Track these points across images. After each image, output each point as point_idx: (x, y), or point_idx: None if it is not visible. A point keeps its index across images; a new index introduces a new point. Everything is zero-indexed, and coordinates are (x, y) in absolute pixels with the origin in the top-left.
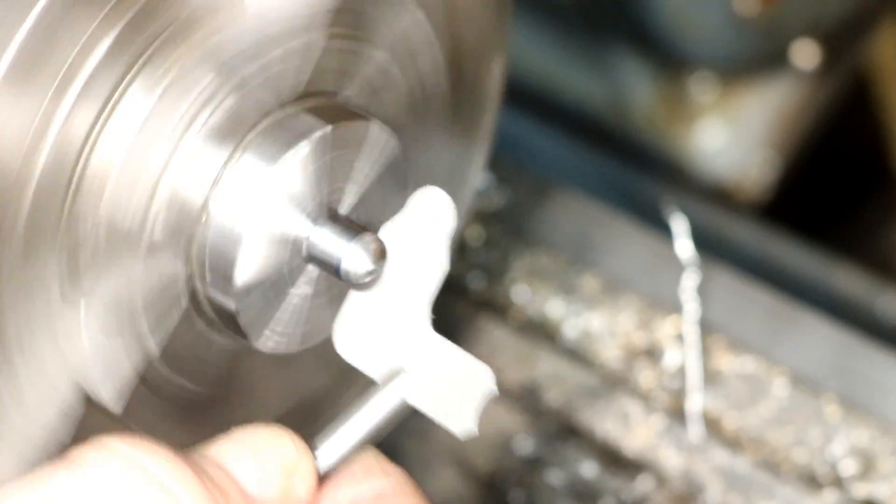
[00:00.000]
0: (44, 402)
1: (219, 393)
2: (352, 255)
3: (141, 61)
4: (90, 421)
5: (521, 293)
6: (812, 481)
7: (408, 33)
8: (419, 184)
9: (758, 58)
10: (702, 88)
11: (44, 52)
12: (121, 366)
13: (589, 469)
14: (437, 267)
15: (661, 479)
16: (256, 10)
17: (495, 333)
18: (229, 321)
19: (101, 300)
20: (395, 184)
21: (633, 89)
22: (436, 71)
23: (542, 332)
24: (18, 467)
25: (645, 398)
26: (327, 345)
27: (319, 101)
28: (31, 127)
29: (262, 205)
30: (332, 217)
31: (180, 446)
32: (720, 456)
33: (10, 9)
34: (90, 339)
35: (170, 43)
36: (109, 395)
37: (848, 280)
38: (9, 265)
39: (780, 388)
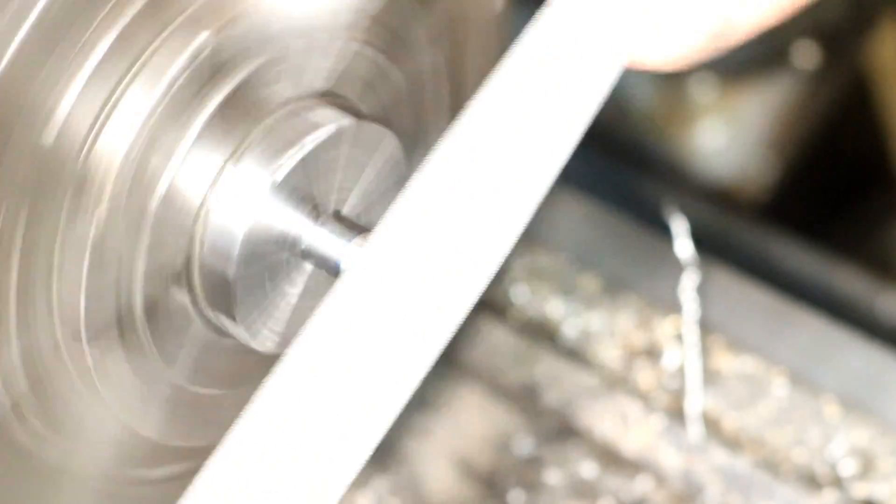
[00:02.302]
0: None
1: (240, 390)
2: (351, 256)
3: (144, 58)
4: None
5: (521, 293)
6: (812, 481)
7: (415, 39)
8: None
9: (758, 58)
10: (702, 89)
11: (42, 49)
12: (154, 396)
13: (588, 469)
14: None
15: (660, 479)
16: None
17: (495, 333)
18: (228, 318)
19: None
20: (396, 184)
21: (633, 89)
22: (437, 73)
23: (541, 332)
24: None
25: (644, 398)
26: None
27: (321, 102)
28: (32, 122)
29: (262, 203)
30: (332, 217)
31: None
32: (720, 456)
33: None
34: (117, 377)
35: (173, 38)
36: (152, 426)
37: (848, 280)
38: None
39: (779, 388)
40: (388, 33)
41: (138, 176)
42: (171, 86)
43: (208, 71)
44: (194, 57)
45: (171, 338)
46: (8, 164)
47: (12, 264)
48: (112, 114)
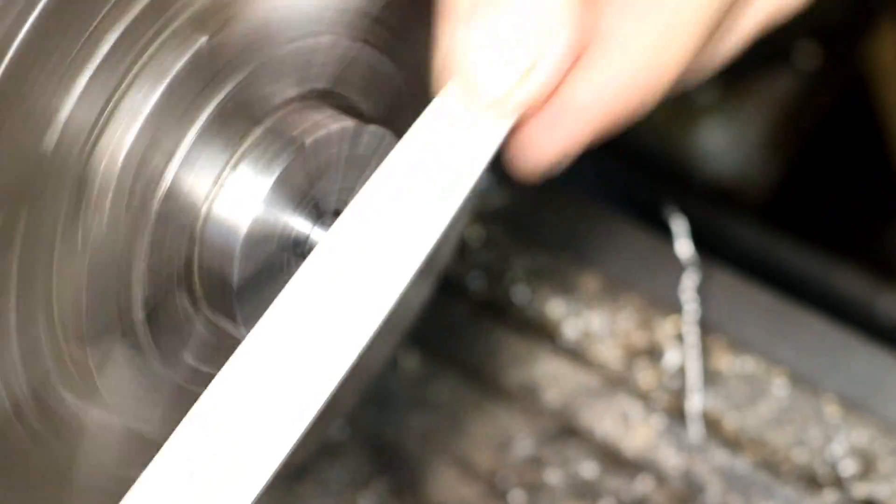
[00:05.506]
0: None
1: None
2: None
3: (143, 60)
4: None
5: (521, 293)
6: (812, 481)
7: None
8: None
9: (758, 58)
10: (702, 89)
11: (46, 46)
12: (156, 397)
13: (589, 469)
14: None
15: (660, 479)
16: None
17: (495, 333)
18: (229, 320)
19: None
20: None
21: None
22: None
23: (542, 332)
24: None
25: (645, 398)
26: None
27: (322, 102)
28: (33, 125)
29: (262, 204)
30: (333, 217)
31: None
32: (720, 456)
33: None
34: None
35: (173, 40)
36: (154, 427)
37: (848, 280)
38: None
39: (779, 388)
40: (388, 33)
41: (139, 177)
42: (171, 87)
43: (209, 71)
44: (194, 58)
45: (172, 339)
46: (7, 168)
47: (12, 266)
48: (113, 115)
